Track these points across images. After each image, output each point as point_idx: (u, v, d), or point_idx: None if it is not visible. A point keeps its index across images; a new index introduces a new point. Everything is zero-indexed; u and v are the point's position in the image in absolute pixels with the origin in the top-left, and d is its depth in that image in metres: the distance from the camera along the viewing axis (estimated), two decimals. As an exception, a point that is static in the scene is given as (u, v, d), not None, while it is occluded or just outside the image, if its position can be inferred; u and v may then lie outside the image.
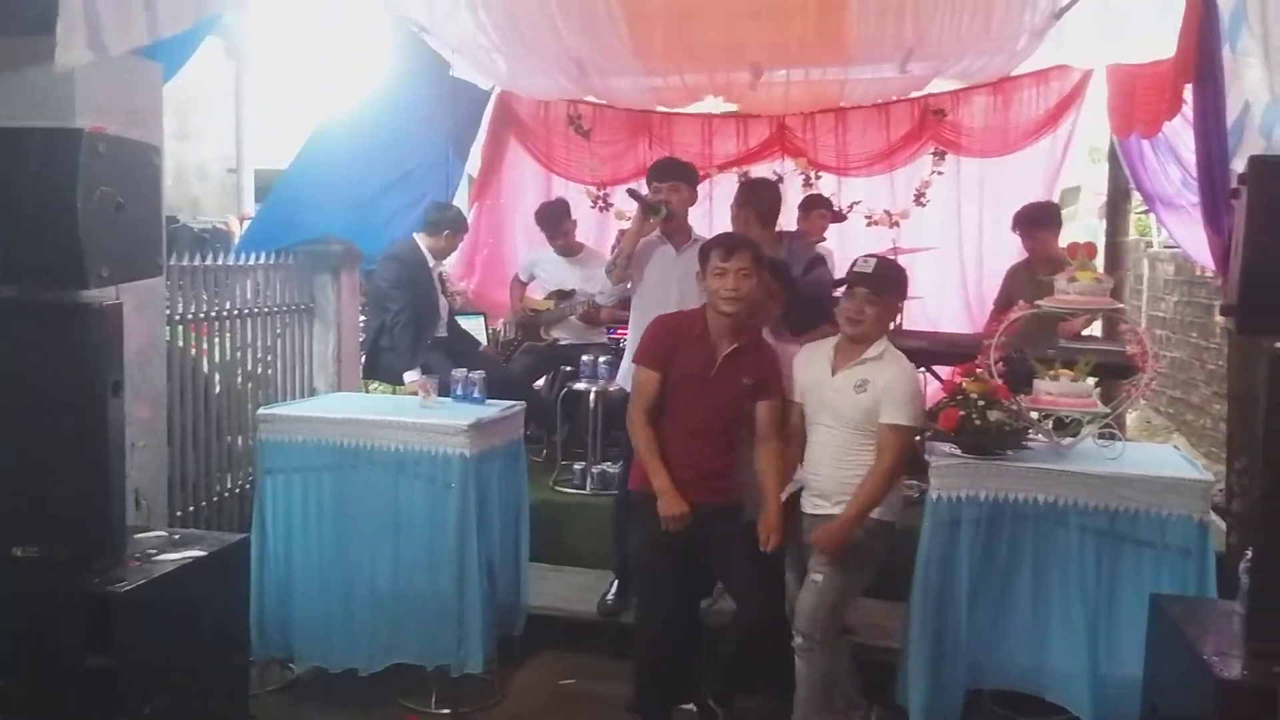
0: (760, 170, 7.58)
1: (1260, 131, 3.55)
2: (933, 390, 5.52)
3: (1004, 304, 5.52)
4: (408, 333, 5.66)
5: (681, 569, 3.83)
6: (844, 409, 3.66)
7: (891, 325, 4.24)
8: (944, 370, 5.44)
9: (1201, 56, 3.69)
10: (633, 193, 4.63)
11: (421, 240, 5.86)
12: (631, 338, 4.67)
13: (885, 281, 3.69)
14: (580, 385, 5.72)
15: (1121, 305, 4.41)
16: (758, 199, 4.66)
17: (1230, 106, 3.67)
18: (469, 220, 7.67)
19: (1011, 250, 6.26)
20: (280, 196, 5.72)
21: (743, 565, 3.74)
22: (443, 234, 5.88)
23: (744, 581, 3.78)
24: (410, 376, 5.40)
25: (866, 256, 3.86)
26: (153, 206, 3.19)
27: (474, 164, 7.85)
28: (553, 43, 6.11)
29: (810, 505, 3.76)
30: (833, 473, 3.68)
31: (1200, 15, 3.64)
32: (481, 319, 7.26)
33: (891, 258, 4.20)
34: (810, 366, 3.80)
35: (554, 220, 6.60)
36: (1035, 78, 7.04)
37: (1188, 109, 4.10)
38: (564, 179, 7.93)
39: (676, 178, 4.54)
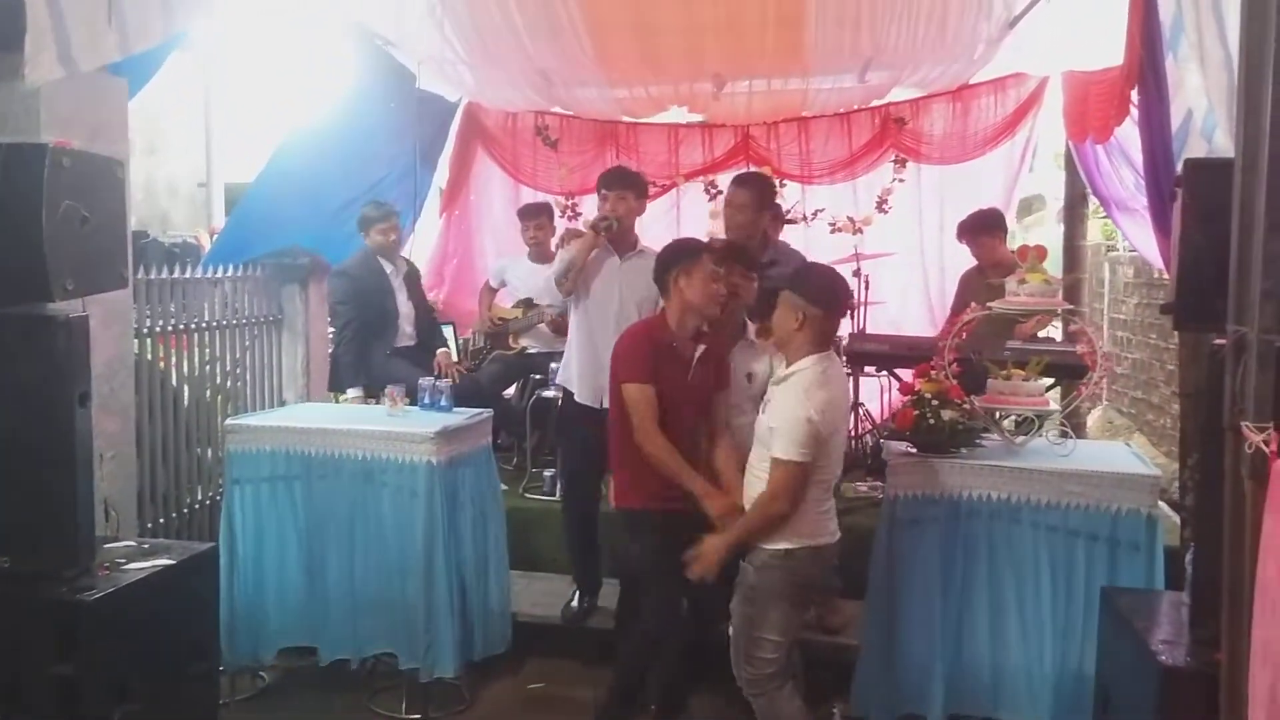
0: (726, 179, 7.63)
1: (1202, 135, 3.65)
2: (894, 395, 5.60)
3: (959, 308, 5.56)
4: (352, 348, 5.68)
5: None
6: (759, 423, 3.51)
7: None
8: (906, 374, 5.52)
9: (1145, 64, 3.78)
10: (592, 225, 4.66)
11: (368, 245, 5.88)
12: (573, 341, 4.71)
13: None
14: (549, 393, 5.75)
15: (1070, 305, 4.49)
16: (759, 186, 4.72)
17: (1175, 112, 3.76)
18: (439, 228, 7.77)
19: (971, 255, 6.35)
20: (247, 209, 5.75)
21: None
22: (369, 232, 5.84)
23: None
24: (353, 393, 5.17)
25: None
26: (117, 219, 3.23)
27: (442, 175, 7.87)
28: (519, 55, 6.18)
29: None
30: (743, 485, 3.54)
31: (1143, 24, 3.73)
32: (451, 328, 7.30)
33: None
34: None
35: (532, 214, 6.63)
36: (993, 85, 7.13)
37: (1137, 112, 4.19)
38: (532, 189, 7.95)
39: (623, 187, 4.62)
